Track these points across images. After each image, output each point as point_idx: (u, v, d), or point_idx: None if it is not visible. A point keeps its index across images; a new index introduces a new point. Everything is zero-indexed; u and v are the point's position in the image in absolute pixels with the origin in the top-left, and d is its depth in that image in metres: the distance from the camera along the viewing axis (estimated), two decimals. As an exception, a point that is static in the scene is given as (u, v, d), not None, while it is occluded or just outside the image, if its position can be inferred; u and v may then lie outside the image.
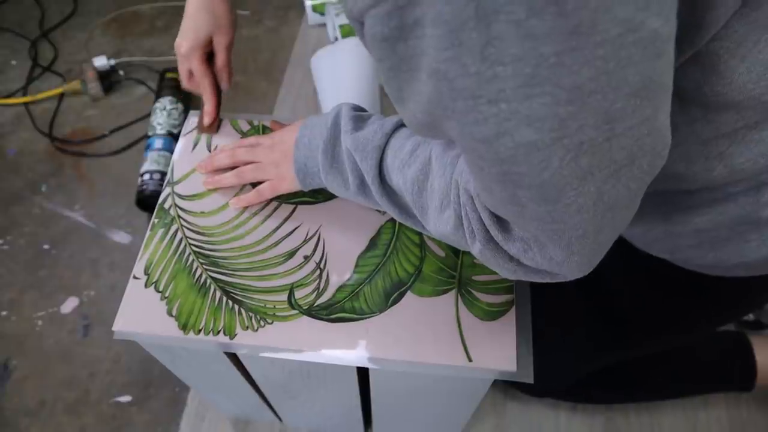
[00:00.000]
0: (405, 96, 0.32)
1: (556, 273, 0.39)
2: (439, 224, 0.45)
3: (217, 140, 0.67)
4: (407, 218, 0.52)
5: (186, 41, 0.63)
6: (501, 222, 0.38)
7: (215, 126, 0.67)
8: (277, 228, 0.60)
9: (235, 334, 0.54)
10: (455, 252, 0.58)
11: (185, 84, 0.67)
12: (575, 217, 0.33)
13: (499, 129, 0.28)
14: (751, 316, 1.05)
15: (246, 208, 0.62)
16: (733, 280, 0.58)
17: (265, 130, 0.68)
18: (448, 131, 0.32)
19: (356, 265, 0.58)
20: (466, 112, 0.28)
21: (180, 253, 0.59)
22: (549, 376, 0.81)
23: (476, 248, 0.41)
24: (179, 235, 0.60)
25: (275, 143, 0.60)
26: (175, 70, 1.39)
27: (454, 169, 0.43)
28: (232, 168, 0.63)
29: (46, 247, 1.21)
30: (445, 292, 0.56)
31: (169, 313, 0.55)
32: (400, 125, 0.52)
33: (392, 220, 0.60)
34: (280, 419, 0.94)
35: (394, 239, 0.59)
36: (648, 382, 0.92)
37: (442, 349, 0.53)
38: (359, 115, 0.54)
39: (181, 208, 0.62)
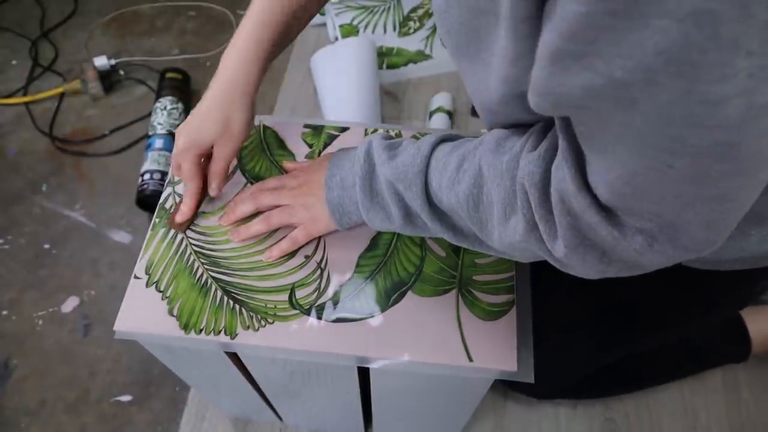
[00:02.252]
0: (600, 50, 0.26)
1: (657, 263, 0.36)
2: (505, 235, 0.42)
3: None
4: (463, 239, 0.49)
5: (184, 138, 0.58)
6: (614, 219, 0.35)
7: (186, 225, 0.60)
8: (278, 228, 0.60)
9: (236, 334, 0.54)
10: (456, 252, 0.58)
11: (174, 171, 0.61)
12: (756, 190, 0.31)
13: (740, 88, 0.25)
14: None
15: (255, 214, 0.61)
16: (726, 274, 0.58)
17: (265, 130, 0.68)
18: (643, 98, 0.27)
19: (357, 265, 0.58)
20: (714, 66, 0.24)
21: (181, 253, 0.59)
22: (551, 378, 0.81)
23: (559, 252, 0.38)
24: (180, 234, 0.60)
25: (302, 183, 0.58)
26: (175, 70, 1.39)
27: (513, 173, 0.40)
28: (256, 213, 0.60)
29: (46, 246, 1.21)
30: (445, 292, 0.56)
31: (170, 313, 0.55)
32: (437, 144, 0.49)
33: (393, 220, 0.60)
34: (280, 419, 0.94)
35: (394, 239, 0.60)
36: (646, 369, 0.93)
37: (443, 348, 0.53)
38: (391, 143, 0.52)
39: (182, 208, 0.62)
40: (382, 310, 0.55)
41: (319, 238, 0.60)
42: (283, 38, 0.59)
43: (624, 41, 0.25)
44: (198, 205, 0.61)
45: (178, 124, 1.27)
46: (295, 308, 0.55)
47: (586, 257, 0.37)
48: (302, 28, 0.63)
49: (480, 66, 0.40)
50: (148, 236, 0.60)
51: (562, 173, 0.35)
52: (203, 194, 0.61)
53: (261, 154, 0.66)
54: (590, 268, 0.38)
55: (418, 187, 0.47)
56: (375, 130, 0.67)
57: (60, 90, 1.44)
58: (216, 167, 0.59)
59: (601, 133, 0.31)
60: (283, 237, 0.59)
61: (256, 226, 0.59)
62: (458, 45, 0.41)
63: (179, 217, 0.60)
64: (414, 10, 1.45)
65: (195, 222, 0.61)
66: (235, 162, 0.66)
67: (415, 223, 0.51)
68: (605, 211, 0.34)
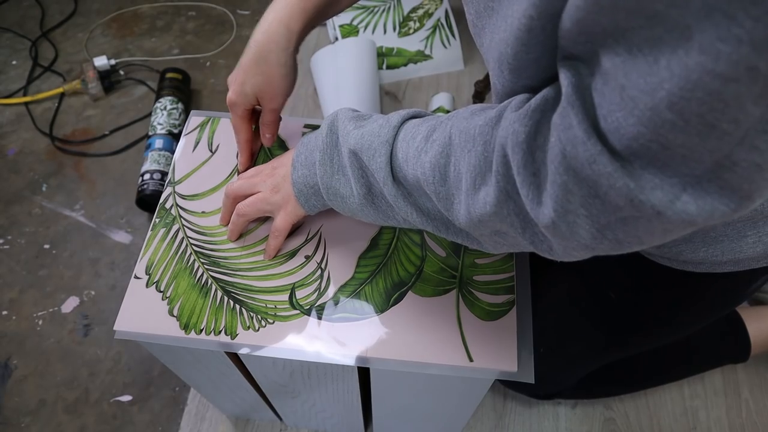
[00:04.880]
0: None
1: (667, 231, 0.31)
2: (473, 208, 0.38)
3: (220, 139, 0.67)
4: (428, 221, 0.45)
5: (231, 94, 0.58)
6: (630, 168, 0.29)
7: None
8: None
9: (237, 334, 0.54)
10: (456, 252, 0.58)
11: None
12: None
13: None
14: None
15: (264, 221, 0.60)
16: (721, 276, 0.58)
17: (266, 130, 0.68)
18: None
19: (357, 265, 0.58)
20: None
21: (181, 253, 0.59)
22: (549, 379, 0.81)
23: (545, 218, 0.33)
24: (180, 234, 0.60)
25: (275, 167, 0.57)
26: (175, 70, 1.39)
27: (486, 138, 0.36)
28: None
29: (46, 246, 1.21)
30: (446, 292, 0.56)
31: (171, 313, 0.55)
32: (408, 117, 0.47)
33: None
34: (280, 419, 0.94)
35: (395, 239, 0.60)
36: (646, 370, 0.93)
37: (443, 349, 0.53)
38: (359, 115, 0.50)
39: (182, 208, 0.62)
40: (383, 311, 0.55)
41: (320, 238, 0.60)
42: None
43: None
44: (253, 155, 0.65)
45: (179, 124, 1.28)
46: (296, 308, 0.55)
47: (575, 227, 0.32)
48: None
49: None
50: (148, 236, 0.60)
51: (567, 120, 0.30)
52: (256, 144, 0.65)
53: (261, 153, 0.66)
54: (576, 240, 0.33)
55: (382, 157, 0.44)
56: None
57: (60, 90, 1.44)
58: (265, 118, 0.61)
59: (661, 37, 0.25)
60: (285, 239, 0.59)
61: (234, 220, 0.58)
62: None
63: (241, 168, 0.64)
64: (414, 10, 1.45)
65: (195, 222, 0.61)
66: (236, 162, 0.65)
67: (378, 204, 0.48)
68: (620, 160, 0.29)
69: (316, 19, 0.58)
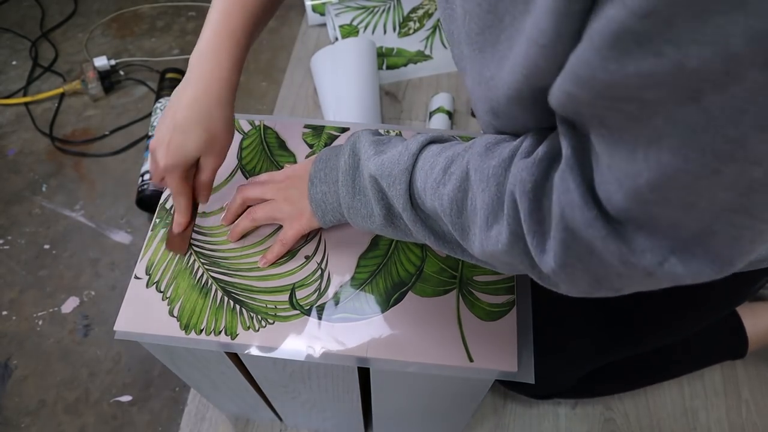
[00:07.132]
0: (677, 33, 0.22)
1: (655, 286, 0.33)
2: (486, 244, 0.39)
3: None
4: (445, 244, 0.46)
5: (168, 157, 0.53)
6: (622, 234, 0.31)
7: (187, 242, 0.59)
8: (279, 228, 0.60)
9: (237, 334, 0.54)
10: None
11: (156, 182, 0.57)
12: None
13: None
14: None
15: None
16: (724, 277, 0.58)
17: (266, 130, 0.68)
18: (713, 91, 0.23)
19: (357, 266, 0.58)
20: None
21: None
22: (549, 379, 0.81)
23: (547, 266, 0.34)
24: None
25: (289, 177, 0.57)
26: (175, 70, 1.39)
27: (500, 179, 0.37)
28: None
29: (46, 247, 1.21)
30: (446, 292, 0.56)
31: (171, 314, 0.55)
32: (426, 143, 0.47)
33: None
34: (280, 419, 0.94)
35: (395, 240, 0.60)
36: (645, 368, 0.93)
37: (443, 349, 0.53)
38: (379, 139, 0.50)
39: (182, 208, 0.62)
40: (383, 311, 0.55)
41: (320, 239, 0.60)
42: (258, 22, 0.55)
43: (708, 23, 0.21)
44: (194, 218, 0.60)
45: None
46: (296, 308, 0.55)
47: (574, 277, 0.34)
48: (278, 6, 0.59)
49: (492, 58, 0.36)
50: (148, 236, 0.60)
51: (566, 184, 0.31)
52: (195, 208, 0.60)
53: (262, 154, 0.66)
54: (576, 287, 0.36)
55: (402, 185, 0.45)
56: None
57: (60, 90, 1.44)
58: (205, 178, 0.57)
59: (637, 132, 0.27)
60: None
61: (242, 222, 0.58)
62: (469, 34, 0.37)
63: (176, 228, 0.59)
64: (414, 10, 1.45)
65: (195, 222, 0.61)
66: (235, 162, 0.66)
67: (397, 224, 0.49)
68: (613, 225, 0.31)
69: (247, 49, 0.56)
